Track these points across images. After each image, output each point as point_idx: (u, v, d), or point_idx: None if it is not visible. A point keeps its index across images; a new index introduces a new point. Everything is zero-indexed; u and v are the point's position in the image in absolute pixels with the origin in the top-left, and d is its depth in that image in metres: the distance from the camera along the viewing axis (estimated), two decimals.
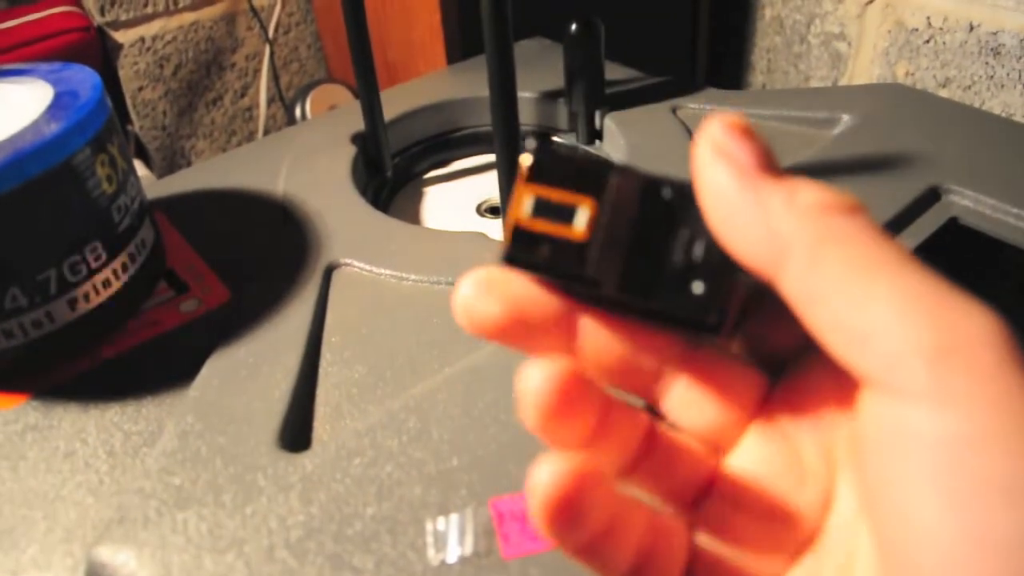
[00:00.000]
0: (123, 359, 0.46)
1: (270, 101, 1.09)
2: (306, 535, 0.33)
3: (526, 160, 0.21)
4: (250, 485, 0.36)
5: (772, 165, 0.20)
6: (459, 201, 0.66)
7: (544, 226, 0.21)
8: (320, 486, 0.35)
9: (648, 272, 0.20)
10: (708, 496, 0.22)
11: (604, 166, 0.21)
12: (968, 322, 0.17)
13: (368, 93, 0.63)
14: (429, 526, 0.33)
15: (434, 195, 0.68)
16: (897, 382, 0.17)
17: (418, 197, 0.68)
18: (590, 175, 0.21)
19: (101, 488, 0.38)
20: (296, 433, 0.39)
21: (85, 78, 0.50)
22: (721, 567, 0.21)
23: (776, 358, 0.23)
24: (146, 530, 0.34)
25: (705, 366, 0.22)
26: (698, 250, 0.20)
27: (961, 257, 0.59)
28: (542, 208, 0.21)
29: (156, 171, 1.01)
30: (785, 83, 1.12)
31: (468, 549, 0.32)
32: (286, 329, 0.46)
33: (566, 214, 0.21)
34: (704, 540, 0.22)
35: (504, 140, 0.51)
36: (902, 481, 0.17)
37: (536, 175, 0.21)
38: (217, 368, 0.43)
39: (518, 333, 0.21)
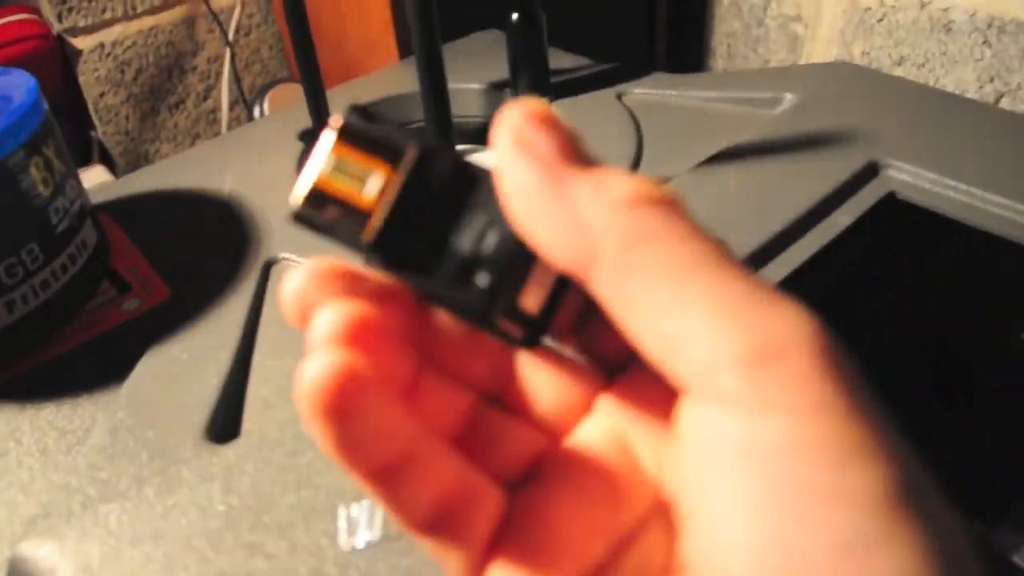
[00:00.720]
0: (63, 359, 0.46)
1: (233, 103, 1.09)
2: (224, 525, 0.34)
3: (336, 121, 0.20)
4: (173, 477, 0.36)
5: (579, 154, 0.18)
6: None
7: (338, 189, 0.20)
8: (242, 476, 0.36)
9: (429, 253, 0.19)
10: (535, 476, 0.21)
11: (413, 137, 0.20)
12: (784, 326, 0.16)
13: (313, 89, 0.63)
14: (342, 512, 0.33)
15: None
16: (711, 389, 0.17)
17: None
18: (397, 145, 0.20)
19: (32, 486, 0.38)
20: (224, 426, 0.40)
21: (21, 82, 0.50)
22: (534, 543, 0.20)
23: (612, 360, 0.22)
24: (69, 524, 0.35)
25: (541, 361, 0.21)
26: (490, 240, 0.19)
27: (900, 232, 0.60)
28: (341, 170, 0.20)
29: (120, 176, 1.01)
30: (746, 67, 1.13)
31: (377, 534, 0.32)
32: (222, 325, 0.46)
33: (361, 180, 0.20)
34: (522, 514, 0.20)
35: (437, 133, 0.52)
36: (714, 490, 0.17)
37: (345, 136, 0.20)
38: (151, 364, 0.44)
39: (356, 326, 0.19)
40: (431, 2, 0.48)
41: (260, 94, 1.00)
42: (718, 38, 1.15)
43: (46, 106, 0.49)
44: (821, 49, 1.03)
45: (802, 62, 1.06)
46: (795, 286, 0.50)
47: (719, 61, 1.16)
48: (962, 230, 0.64)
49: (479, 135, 0.73)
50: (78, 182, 0.51)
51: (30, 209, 0.46)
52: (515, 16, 0.64)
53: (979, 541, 0.56)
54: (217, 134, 1.14)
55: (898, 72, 0.97)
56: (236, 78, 1.10)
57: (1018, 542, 0.54)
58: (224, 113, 1.09)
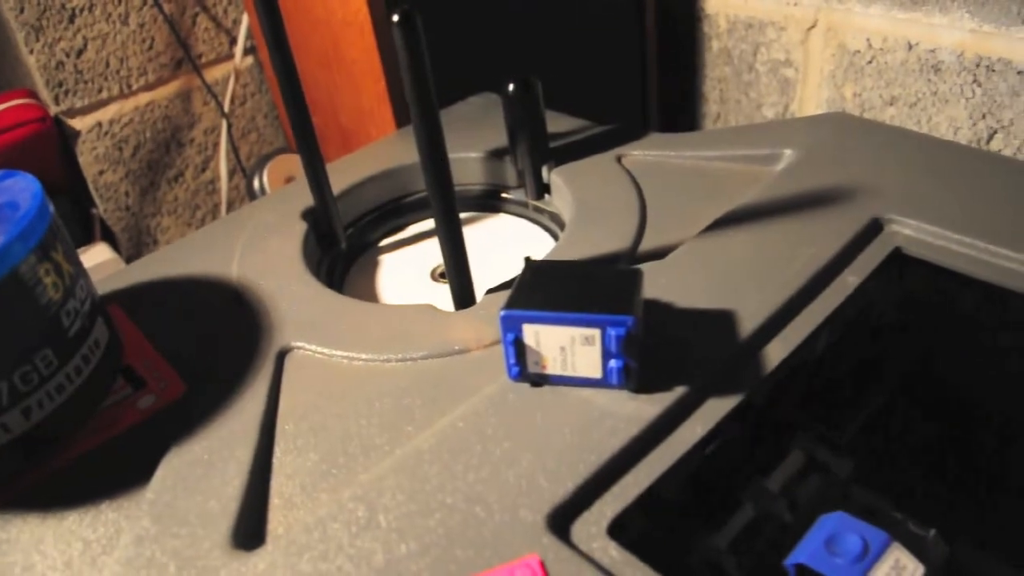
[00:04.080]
0: (81, 462, 0.46)
1: (231, 173, 1.10)
2: None
3: None
4: None
5: None
6: (414, 267, 0.67)
7: None
8: None
9: None
10: None
11: None
12: None
13: (313, 167, 0.64)
14: None
15: (389, 263, 0.69)
16: None
17: (373, 266, 0.69)
18: None
19: None
20: (250, 530, 0.40)
21: (25, 186, 0.50)
22: None
23: None
24: None
25: None
26: None
27: (911, 288, 0.60)
28: None
29: (123, 252, 1.02)
30: (738, 111, 1.14)
31: None
32: (240, 420, 0.46)
33: None
34: None
35: (440, 207, 0.52)
36: None
37: None
38: (172, 467, 0.44)
39: None
40: (428, 83, 0.48)
41: (258, 166, 1.01)
42: (710, 83, 1.16)
43: (52, 208, 0.50)
44: (813, 92, 1.04)
45: (794, 105, 1.07)
46: (808, 352, 0.50)
47: (712, 106, 1.17)
48: (969, 282, 0.64)
49: (478, 203, 0.74)
50: (88, 281, 0.52)
51: (42, 315, 0.46)
52: (511, 86, 0.65)
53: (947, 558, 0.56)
54: (217, 204, 1.15)
55: (891, 112, 0.97)
56: (233, 148, 1.10)
57: (981, 560, 0.55)
58: (223, 183, 1.10)
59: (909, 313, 0.68)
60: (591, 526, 0.37)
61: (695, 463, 0.50)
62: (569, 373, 0.43)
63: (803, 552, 0.40)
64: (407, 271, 0.67)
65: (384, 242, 0.72)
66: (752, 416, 0.53)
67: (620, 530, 0.40)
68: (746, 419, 0.53)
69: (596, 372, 0.42)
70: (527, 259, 0.47)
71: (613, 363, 0.41)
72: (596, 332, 0.41)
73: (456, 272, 0.53)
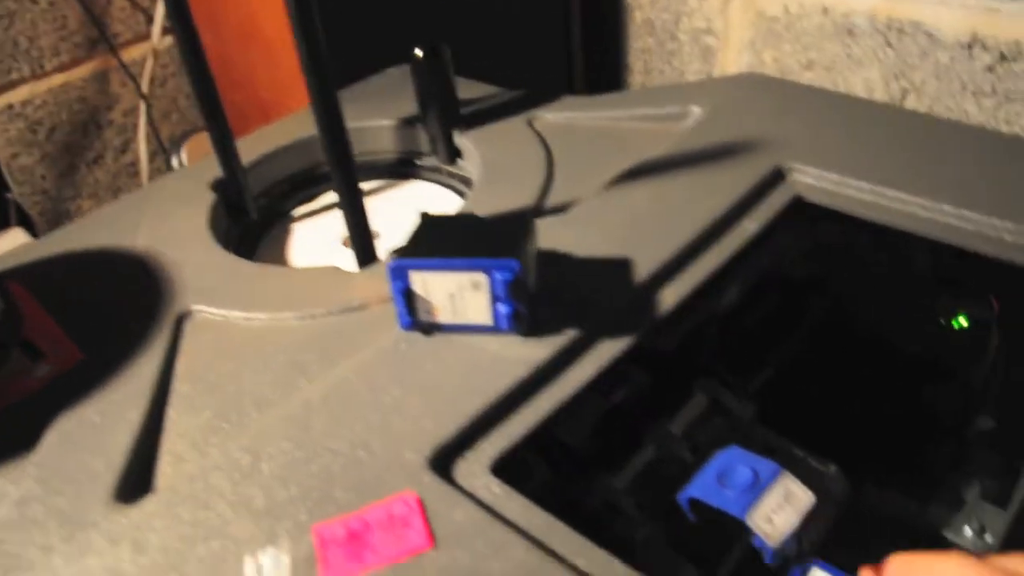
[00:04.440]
0: None
1: (152, 154, 1.08)
2: None
3: None
4: (82, 543, 0.36)
5: None
6: (325, 234, 0.67)
7: None
8: (151, 534, 0.35)
9: None
10: None
11: None
12: None
13: (220, 137, 0.63)
14: (249, 561, 0.33)
15: (301, 232, 0.68)
16: None
17: (285, 236, 0.68)
18: None
19: None
20: (135, 485, 0.39)
21: None
22: None
23: None
24: None
25: None
26: None
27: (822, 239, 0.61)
28: None
29: (41, 236, 1.00)
30: (662, 81, 1.14)
31: None
32: (133, 383, 0.46)
33: None
34: None
35: (340, 176, 0.51)
36: None
37: None
38: (61, 431, 0.43)
39: None
40: (320, 46, 0.48)
41: (176, 144, 0.99)
42: (634, 54, 1.16)
43: None
44: (734, 58, 1.05)
45: (716, 72, 1.08)
46: (713, 294, 0.50)
47: (636, 77, 1.18)
48: (869, 227, 0.65)
49: (392, 171, 0.73)
50: None
51: None
52: (418, 51, 0.65)
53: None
54: (139, 186, 1.13)
55: (808, 76, 0.98)
56: (153, 129, 1.09)
57: (949, 518, 0.55)
58: (144, 165, 1.08)
59: (820, 264, 0.69)
60: (474, 465, 0.37)
61: (600, 411, 0.50)
62: (460, 321, 0.43)
63: (695, 486, 0.40)
64: (317, 239, 0.67)
65: (297, 211, 0.71)
66: (662, 365, 0.54)
67: (521, 476, 0.41)
68: (656, 368, 0.53)
69: (486, 318, 0.42)
70: (422, 214, 0.47)
71: (502, 308, 0.41)
72: (482, 277, 0.41)
73: (356, 230, 0.53)
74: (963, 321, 0.71)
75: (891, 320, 0.72)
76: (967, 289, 0.69)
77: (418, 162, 0.73)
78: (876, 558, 0.34)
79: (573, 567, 0.32)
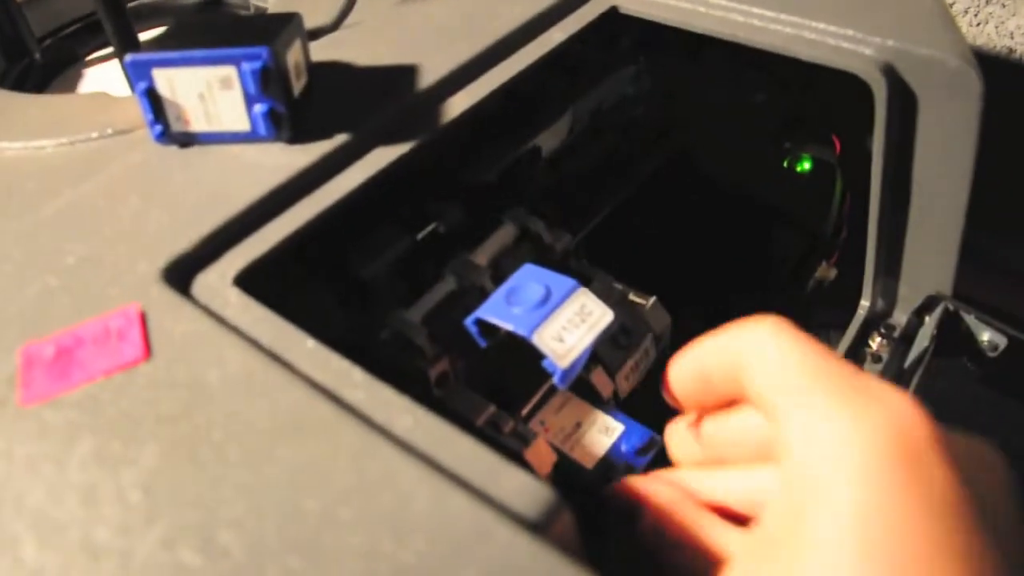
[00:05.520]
0: None
1: None
2: None
3: None
4: None
5: None
6: (121, 78, 0.60)
7: None
8: None
9: None
10: None
11: None
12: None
13: None
14: None
15: (94, 76, 0.62)
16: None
17: (76, 79, 0.61)
18: None
19: None
20: None
21: None
22: None
23: None
24: None
25: None
26: None
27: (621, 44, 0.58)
28: None
29: None
30: None
31: None
32: None
33: None
34: None
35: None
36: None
37: None
38: None
39: None
40: None
41: None
42: None
43: None
44: None
45: None
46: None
47: None
48: (709, 61, 0.62)
49: (199, 10, 0.67)
50: None
51: None
52: None
53: None
54: None
55: None
56: None
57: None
58: None
59: (663, 109, 0.66)
60: (217, 277, 0.32)
61: (405, 247, 0.46)
62: (216, 128, 0.38)
63: (483, 307, 0.36)
64: (113, 83, 0.60)
65: (93, 56, 0.64)
66: (480, 201, 0.50)
67: (303, 309, 0.37)
68: (474, 204, 0.49)
69: (244, 124, 0.37)
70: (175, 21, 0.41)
71: (258, 107, 0.36)
72: (232, 71, 0.36)
73: (121, 47, 0.47)
74: (806, 165, 0.69)
75: (735, 164, 0.69)
76: (809, 129, 0.66)
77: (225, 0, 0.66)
78: None
79: (302, 374, 0.28)
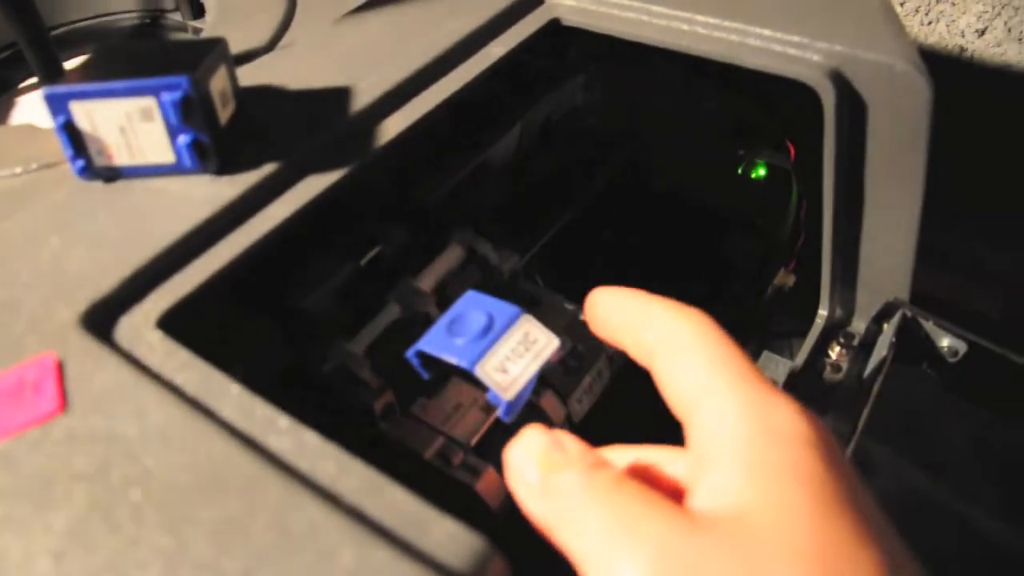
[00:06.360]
0: None
1: None
2: None
3: None
4: None
5: None
6: None
7: None
8: None
9: None
10: None
11: None
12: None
13: None
14: None
15: (31, 103, 0.60)
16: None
17: (11, 107, 0.59)
18: None
19: None
20: None
21: None
22: None
23: None
24: None
25: None
26: None
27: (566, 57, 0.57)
28: None
29: None
30: None
31: None
32: None
33: None
34: None
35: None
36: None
37: None
38: None
39: None
40: None
41: None
42: None
43: None
44: None
45: None
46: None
47: None
48: (662, 69, 0.61)
49: (140, 31, 0.65)
50: None
51: None
52: None
53: None
54: None
55: None
56: None
57: None
58: None
59: (616, 119, 0.65)
60: (141, 320, 0.31)
61: (348, 274, 0.44)
62: (140, 161, 0.36)
63: (424, 339, 0.35)
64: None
65: (26, 83, 0.62)
66: (426, 223, 0.49)
67: (242, 348, 0.35)
68: (417, 226, 0.48)
69: (168, 156, 0.36)
70: (95, 45, 0.39)
71: (181, 139, 0.35)
72: (152, 102, 0.34)
73: (45, 77, 0.45)
74: (761, 171, 0.68)
75: (689, 173, 0.69)
76: (763, 135, 0.66)
77: (163, 21, 0.64)
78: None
79: (226, 422, 0.26)
